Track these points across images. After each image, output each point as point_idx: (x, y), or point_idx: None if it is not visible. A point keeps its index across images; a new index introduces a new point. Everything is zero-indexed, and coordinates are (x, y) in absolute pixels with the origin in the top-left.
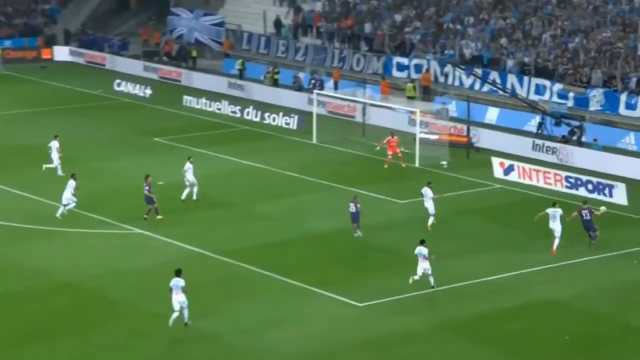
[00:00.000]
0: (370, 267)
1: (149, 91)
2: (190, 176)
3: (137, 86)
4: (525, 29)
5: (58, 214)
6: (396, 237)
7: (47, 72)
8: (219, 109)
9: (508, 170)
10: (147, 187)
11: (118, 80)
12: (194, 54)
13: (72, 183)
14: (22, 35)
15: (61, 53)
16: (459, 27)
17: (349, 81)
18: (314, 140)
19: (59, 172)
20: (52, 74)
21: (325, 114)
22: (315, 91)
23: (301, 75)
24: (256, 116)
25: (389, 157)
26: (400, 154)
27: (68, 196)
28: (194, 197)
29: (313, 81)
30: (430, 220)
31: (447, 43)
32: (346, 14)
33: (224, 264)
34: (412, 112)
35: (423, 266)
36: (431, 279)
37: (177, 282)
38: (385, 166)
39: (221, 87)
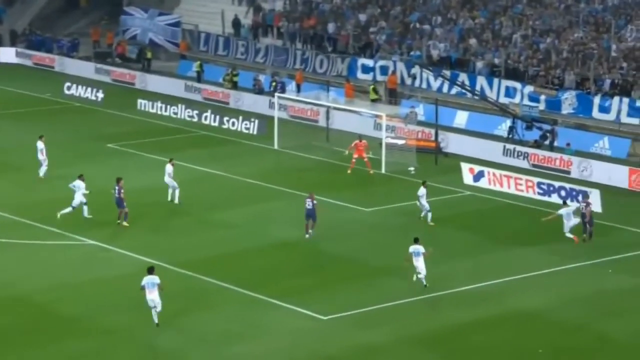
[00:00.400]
0: (334, 278)
1: (100, 95)
2: (169, 179)
3: (89, 89)
4: (494, 29)
5: (85, 213)
6: (361, 247)
7: None
8: (175, 113)
9: (478, 176)
10: (118, 190)
11: (68, 83)
12: (149, 55)
13: (80, 184)
14: None
15: (7, 54)
16: (426, 27)
17: (312, 84)
18: (275, 146)
19: (41, 174)
20: None
21: (287, 118)
22: (277, 94)
23: (262, 77)
24: (214, 121)
25: (353, 161)
26: (367, 160)
27: (80, 199)
28: (176, 201)
29: (274, 84)
30: (429, 216)
31: (414, 44)
32: (308, 14)
33: (181, 276)
34: (378, 116)
35: (417, 265)
36: (423, 279)
37: (152, 279)
38: (349, 171)
39: (177, 90)
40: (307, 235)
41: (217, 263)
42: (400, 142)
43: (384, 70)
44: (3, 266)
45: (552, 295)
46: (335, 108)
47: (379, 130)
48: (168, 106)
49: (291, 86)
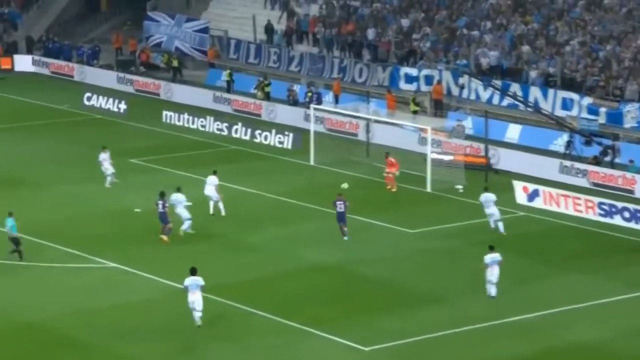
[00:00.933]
0: (373, 305)
1: (123, 106)
2: (212, 191)
3: (110, 100)
4: (549, 35)
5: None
6: (404, 271)
7: (7, 84)
8: (203, 126)
9: (532, 195)
10: (162, 205)
11: (88, 94)
12: (174, 63)
13: (180, 197)
14: None
15: (23, 63)
16: (474, 33)
17: (351, 94)
18: (311, 162)
19: (107, 184)
20: (12, 86)
21: (324, 131)
22: (312, 106)
23: (296, 87)
24: (246, 134)
25: (390, 176)
26: (390, 175)
27: (185, 213)
28: (222, 212)
29: (310, 94)
30: (500, 226)
31: (460, 51)
32: (347, 19)
33: (207, 301)
34: (423, 130)
35: (494, 273)
36: (492, 289)
37: (195, 280)
38: (394, 189)
39: (206, 101)
40: (345, 238)
41: (246, 288)
42: (447, 158)
43: (428, 79)
44: (16, 291)
45: (611, 326)
46: (375, 121)
47: (424, 145)
48: (195, 118)
49: (328, 97)
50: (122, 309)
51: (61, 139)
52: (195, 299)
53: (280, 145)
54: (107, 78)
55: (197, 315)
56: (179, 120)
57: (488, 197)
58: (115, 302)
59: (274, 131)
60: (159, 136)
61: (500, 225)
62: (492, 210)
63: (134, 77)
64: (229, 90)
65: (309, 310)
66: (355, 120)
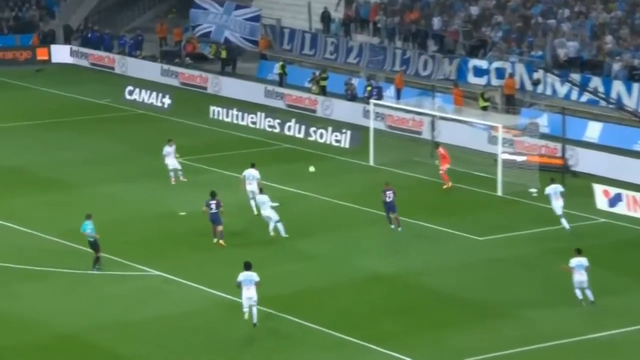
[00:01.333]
0: (439, 319)
1: (167, 100)
2: (253, 186)
3: (153, 94)
4: (634, 24)
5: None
6: (471, 282)
7: (43, 77)
8: (253, 123)
9: (614, 200)
10: (216, 205)
11: (130, 87)
12: (223, 54)
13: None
14: (13, 32)
15: (60, 53)
16: (551, 21)
17: (414, 89)
18: (371, 162)
19: (180, 177)
20: (48, 79)
21: (385, 129)
22: (372, 101)
23: (355, 81)
24: (299, 131)
25: (442, 172)
26: (443, 171)
27: (273, 214)
28: (255, 212)
29: (369, 88)
30: (564, 223)
31: (535, 42)
32: (410, 6)
33: (258, 313)
34: (494, 128)
35: (580, 279)
36: (589, 292)
37: (249, 275)
38: (449, 185)
39: (256, 95)
40: (392, 226)
41: (300, 299)
42: (520, 158)
43: (500, 73)
44: (53, 300)
45: None
46: (441, 117)
47: (494, 145)
48: (245, 114)
49: (389, 91)
50: (164, 320)
51: (100, 136)
52: (252, 295)
53: (337, 144)
54: (151, 70)
55: (255, 311)
56: (227, 116)
57: (555, 190)
58: (158, 313)
59: (330, 129)
60: (205, 133)
61: (564, 222)
62: (557, 205)
63: (179, 70)
64: (281, 84)
65: (368, 325)
66: (418, 117)
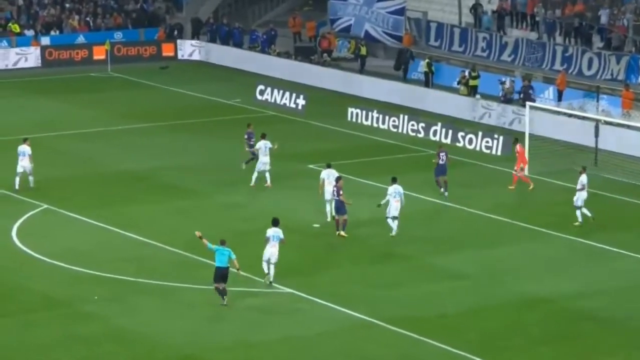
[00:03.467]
0: (598, 348)
1: (302, 101)
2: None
3: (287, 94)
4: None
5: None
6: (638, 307)
7: (169, 75)
8: (395, 127)
9: None
10: (337, 191)
11: (261, 86)
12: (363, 51)
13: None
14: (137, 26)
15: (187, 49)
16: None
17: (577, 90)
18: (525, 171)
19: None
20: (174, 77)
21: (541, 134)
22: (528, 103)
23: (509, 81)
24: (446, 136)
25: (518, 173)
26: (520, 173)
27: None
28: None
29: (525, 89)
30: (578, 214)
31: None
32: None
33: (391, 335)
34: None
35: None
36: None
37: (276, 232)
38: (510, 187)
39: (399, 96)
40: (442, 190)
41: (439, 322)
42: None
43: None
44: (172, 317)
45: None
46: (606, 122)
47: None
48: (387, 117)
49: (548, 93)
50: (293, 342)
51: (228, 140)
52: (275, 252)
53: (487, 151)
54: (284, 68)
55: (272, 270)
56: (366, 119)
57: (583, 180)
58: (285, 334)
59: (480, 133)
60: (343, 137)
61: (582, 212)
62: (584, 195)
63: (315, 67)
64: (427, 83)
65: (519, 353)
66: (581, 122)
